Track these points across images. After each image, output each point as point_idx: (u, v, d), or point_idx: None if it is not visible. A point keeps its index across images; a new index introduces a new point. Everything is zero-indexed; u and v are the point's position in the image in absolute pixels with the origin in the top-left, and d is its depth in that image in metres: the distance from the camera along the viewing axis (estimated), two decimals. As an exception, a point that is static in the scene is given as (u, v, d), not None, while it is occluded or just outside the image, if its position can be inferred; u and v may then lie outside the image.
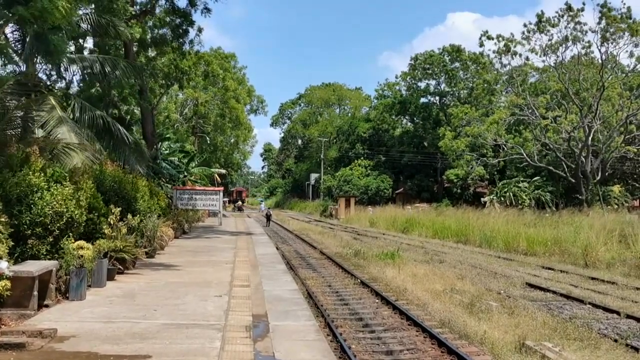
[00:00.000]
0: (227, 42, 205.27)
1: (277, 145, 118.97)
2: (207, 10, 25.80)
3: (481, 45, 43.67)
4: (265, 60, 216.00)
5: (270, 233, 30.51)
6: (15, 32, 12.82)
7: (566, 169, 39.74)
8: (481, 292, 12.32)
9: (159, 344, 6.14)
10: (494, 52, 42.17)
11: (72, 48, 17.84)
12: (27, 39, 12.14)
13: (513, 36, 40.44)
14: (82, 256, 8.89)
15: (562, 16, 37.00)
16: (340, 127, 79.67)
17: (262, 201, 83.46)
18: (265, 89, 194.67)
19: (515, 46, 39.78)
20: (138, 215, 13.22)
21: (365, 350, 8.03)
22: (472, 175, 47.14)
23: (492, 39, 41.55)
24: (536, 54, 38.85)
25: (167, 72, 31.61)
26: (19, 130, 9.93)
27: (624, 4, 35.52)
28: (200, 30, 27.95)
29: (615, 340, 8.52)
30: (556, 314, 10.48)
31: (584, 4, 36.32)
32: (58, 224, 8.53)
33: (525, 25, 39.00)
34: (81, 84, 19.55)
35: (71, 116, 13.08)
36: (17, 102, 9.64)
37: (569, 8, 36.65)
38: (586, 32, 36.62)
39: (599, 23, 35.60)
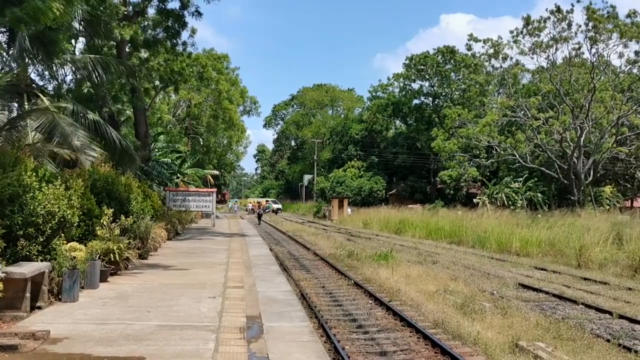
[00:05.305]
0: (223, 43, 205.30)
1: (270, 146, 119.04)
2: (198, 13, 25.90)
3: (469, 49, 43.96)
4: (261, 61, 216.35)
5: (264, 234, 30.45)
6: (5, 33, 12.69)
7: (558, 170, 39.96)
8: (474, 293, 12.35)
9: (152, 346, 6.12)
10: (482, 55, 42.52)
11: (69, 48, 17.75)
12: (20, 40, 12.02)
13: (501, 38, 40.82)
14: (74, 257, 8.85)
15: (549, 18, 37.29)
16: (333, 129, 79.64)
17: (231, 199, 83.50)
18: (261, 90, 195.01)
19: (504, 49, 40.10)
20: (131, 217, 13.15)
21: (359, 351, 8.02)
22: (465, 176, 47.31)
23: (479, 41, 41.82)
24: (525, 54, 39.18)
25: (161, 73, 31.47)
26: (12, 130, 9.85)
27: (606, 3, 35.90)
28: (193, 31, 28.00)
29: (608, 341, 8.57)
30: (549, 315, 10.52)
31: (572, 5, 36.38)
32: (50, 224, 8.47)
33: (511, 32, 39.41)
34: (71, 85, 19.45)
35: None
36: (10, 103, 9.57)
37: (558, 10, 36.93)
38: (576, 33, 36.92)
39: (586, 24, 35.87)
